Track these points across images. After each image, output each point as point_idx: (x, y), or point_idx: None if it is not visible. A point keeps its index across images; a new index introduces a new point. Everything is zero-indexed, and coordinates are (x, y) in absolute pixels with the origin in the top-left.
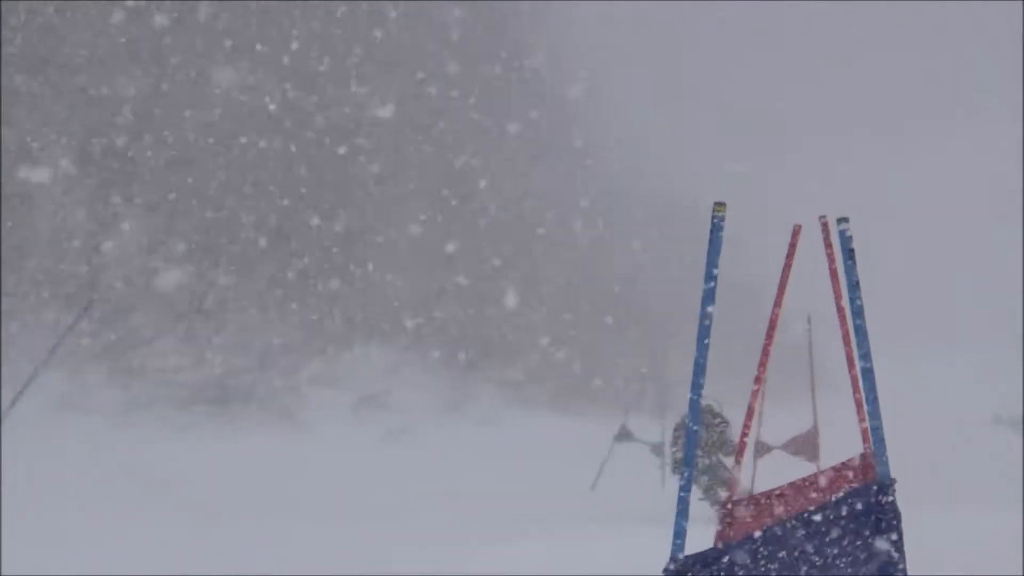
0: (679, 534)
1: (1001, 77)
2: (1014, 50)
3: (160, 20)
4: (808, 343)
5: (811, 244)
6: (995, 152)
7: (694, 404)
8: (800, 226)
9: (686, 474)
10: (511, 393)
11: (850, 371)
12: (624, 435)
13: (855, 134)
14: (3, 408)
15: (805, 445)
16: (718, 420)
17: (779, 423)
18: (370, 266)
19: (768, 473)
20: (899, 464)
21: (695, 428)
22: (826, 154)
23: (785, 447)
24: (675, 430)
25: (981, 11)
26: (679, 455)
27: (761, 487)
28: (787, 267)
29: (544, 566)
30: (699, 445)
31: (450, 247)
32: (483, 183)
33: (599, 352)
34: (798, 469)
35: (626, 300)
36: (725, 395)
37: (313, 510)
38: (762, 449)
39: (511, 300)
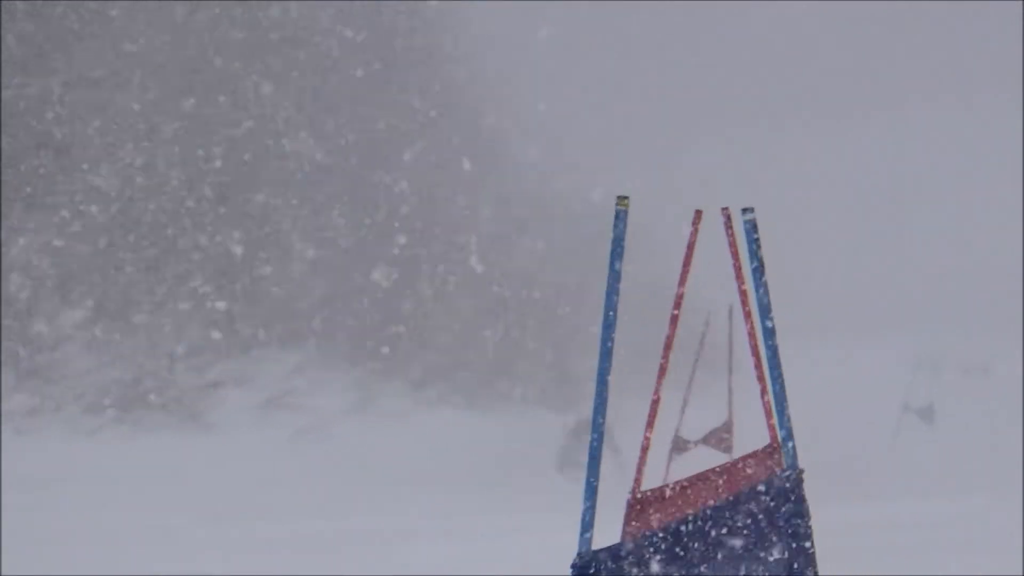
0: (586, 528)
1: (920, 67)
2: (930, 43)
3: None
4: (729, 334)
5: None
6: (910, 143)
7: (600, 393)
8: (701, 212)
9: (591, 470)
10: (419, 391)
11: (756, 363)
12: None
13: (771, 124)
14: None
15: (721, 438)
16: None
17: (698, 416)
18: (276, 266)
19: (683, 466)
20: (808, 454)
21: (601, 421)
22: (741, 144)
23: (704, 441)
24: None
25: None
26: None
27: (673, 480)
28: (688, 255)
29: (456, 561)
30: None
31: (355, 245)
32: (388, 181)
33: (507, 348)
34: (713, 461)
35: (534, 296)
36: (638, 391)
37: (221, 510)
38: (680, 445)
39: (418, 297)
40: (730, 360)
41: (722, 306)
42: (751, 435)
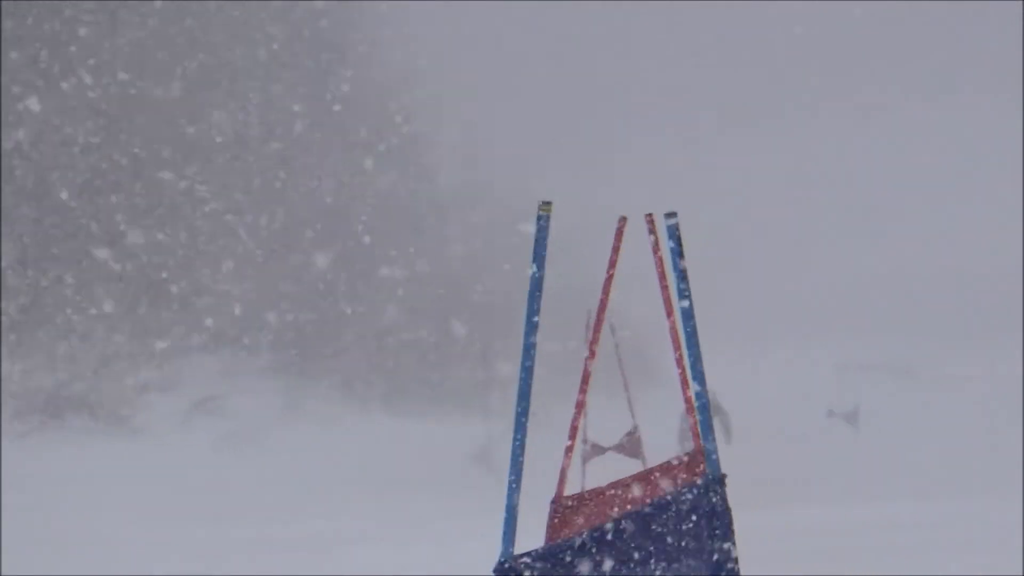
0: (508, 534)
1: (837, 79)
2: (866, 44)
3: None
4: (615, 344)
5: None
6: (839, 148)
7: (522, 397)
8: (625, 218)
9: (513, 475)
10: (347, 395)
11: (679, 368)
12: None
13: (700, 130)
14: None
15: (629, 445)
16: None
17: (614, 422)
18: (203, 271)
19: (599, 472)
20: (732, 459)
21: (524, 420)
22: (671, 149)
23: (616, 448)
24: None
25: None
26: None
27: (592, 485)
28: (613, 261)
29: (383, 566)
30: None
31: (282, 249)
32: (315, 183)
33: (435, 352)
34: (628, 468)
35: (460, 300)
36: (561, 394)
37: (148, 515)
38: (595, 451)
39: (346, 301)
40: (622, 368)
41: (646, 311)
42: (662, 440)
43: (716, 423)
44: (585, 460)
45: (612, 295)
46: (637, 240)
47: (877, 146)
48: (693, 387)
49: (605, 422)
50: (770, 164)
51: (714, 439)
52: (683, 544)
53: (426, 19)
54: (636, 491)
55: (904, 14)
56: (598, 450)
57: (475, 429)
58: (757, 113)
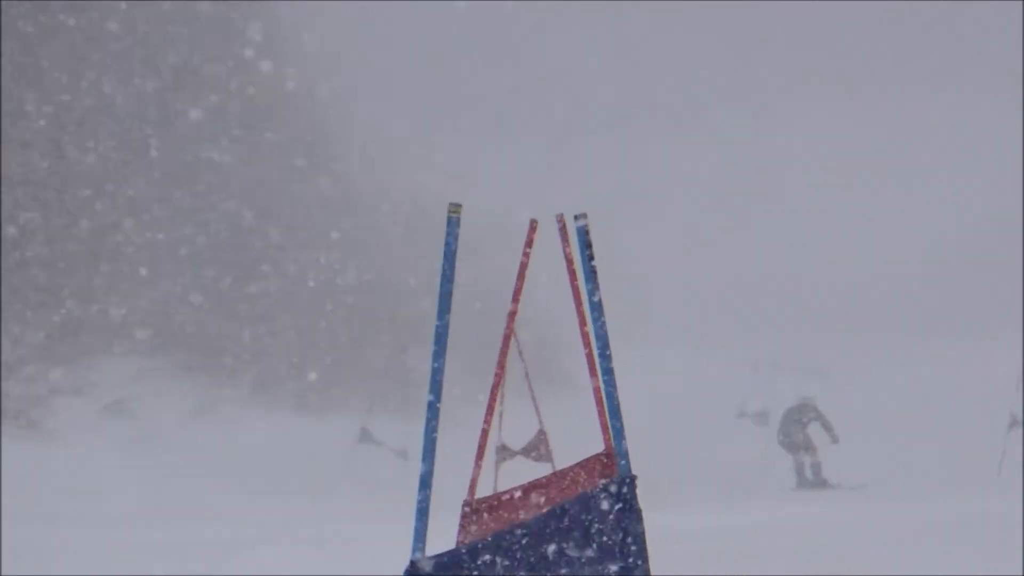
0: (419, 535)
1: (779, 66)
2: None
3: None
4: (517, 346)
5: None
6: (751, 147)
7: (432, 405)
8: (536, 221)
9: (423, 476)
10: (258, 397)
11: (590, 370)
12: (366, 437)
13: (612, 128)
14: None
15: (536, 448)
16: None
17: (526, 425)
18: (114, 273)
19: (512, 474)
20: (642, 461)
21: (435, 422)
22: (580, 149)
23: (524, 451)
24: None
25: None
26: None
27: (504, 487)
28: (524, 264)
29: (295, 568)
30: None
31: (192, 251)
32: (229, 185)
33: (344, 353)
34: (538, 471)
35: (371, 300)
36: (473, 395)
37: (59, 518)
38: (506, 453)
39: (255, 302)
40: (526, 369)
41: (563, 312)
42: (582, 442)
43: (818, 428)
44: (498, 463)
45: (526, 296)
46: (550, 241)
47: (794, 148)
48: (603, 387)
49: (519, 425)
50: (687, 165)
51: (624, 439)
52: (594, 545)
53: (341, 17)
54: (548, 492)
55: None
56: (509, 453)
57: (390, 430)
58: (677, 113)
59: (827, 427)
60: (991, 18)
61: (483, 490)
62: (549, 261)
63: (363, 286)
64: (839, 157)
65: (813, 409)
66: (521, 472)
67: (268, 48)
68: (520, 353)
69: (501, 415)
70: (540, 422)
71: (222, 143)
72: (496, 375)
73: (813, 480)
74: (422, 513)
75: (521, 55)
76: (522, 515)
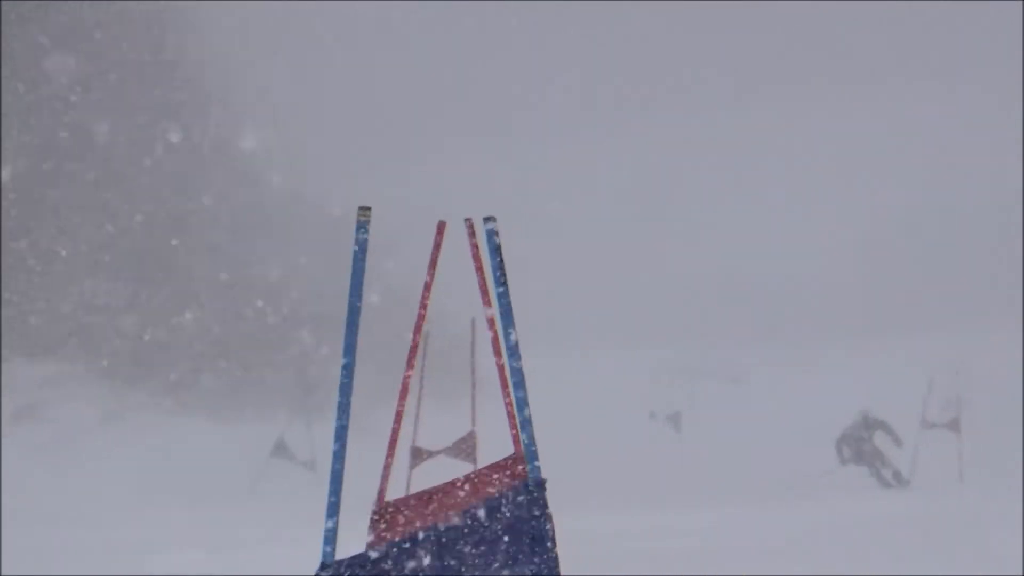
0: (329, 539)
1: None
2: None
3: None
4: (471, 344)
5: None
6: (663, 150)
7: (343, 403)
8: (444, 223)
9: (334, 479)
10: (168, 402)
11: (500, 373)
12: (281, 451)
13: (517, 132)
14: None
15: (465, 448)
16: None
17: (439, 427)
18: (25, 278)
19: (426, 476)
20: (553, 464)
21: (345, 424)
22: (490, 153)
23: (448, 451)
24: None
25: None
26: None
27: (417, 490)
28: (432, 266)
29: (205, 573)
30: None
31: (104, 256)
32: (139, 191)
33: (256, 360)
34: (455, 472)
35: (283, 308)
36: (386, 397)
37: None
38: (421, 455)
39: (167, 308)
40: (472, 372)
41: (466, 315)
42: (497, 445)
43: (881, 436)
44: (411, 465)
45: (442, 300)
46: (461, 244)
47: (704, 150)
48: (512, 391)
49: (442, 427)
50: (596, 168)
51: (534, 443)
52: (504, 547)
53: (235, 20)
54: (458, 495)
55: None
56: (425, 454)
57: (300, 435)
58: (586, 118)
59: (890, 432)
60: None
61: (395, 493)
62: (470, 261)
63: (274, 291)
64: (749, 159)
65: (874, 420)
66: (435, 474)
67: (183, 53)
68: (472, 353)
69: (417, 417)
70: (473, 422)
71: (132, 151)
72: (404, 378)
73: (897, 483)
74: (332, 517)
75: (434, 56)
76: (432, 518)
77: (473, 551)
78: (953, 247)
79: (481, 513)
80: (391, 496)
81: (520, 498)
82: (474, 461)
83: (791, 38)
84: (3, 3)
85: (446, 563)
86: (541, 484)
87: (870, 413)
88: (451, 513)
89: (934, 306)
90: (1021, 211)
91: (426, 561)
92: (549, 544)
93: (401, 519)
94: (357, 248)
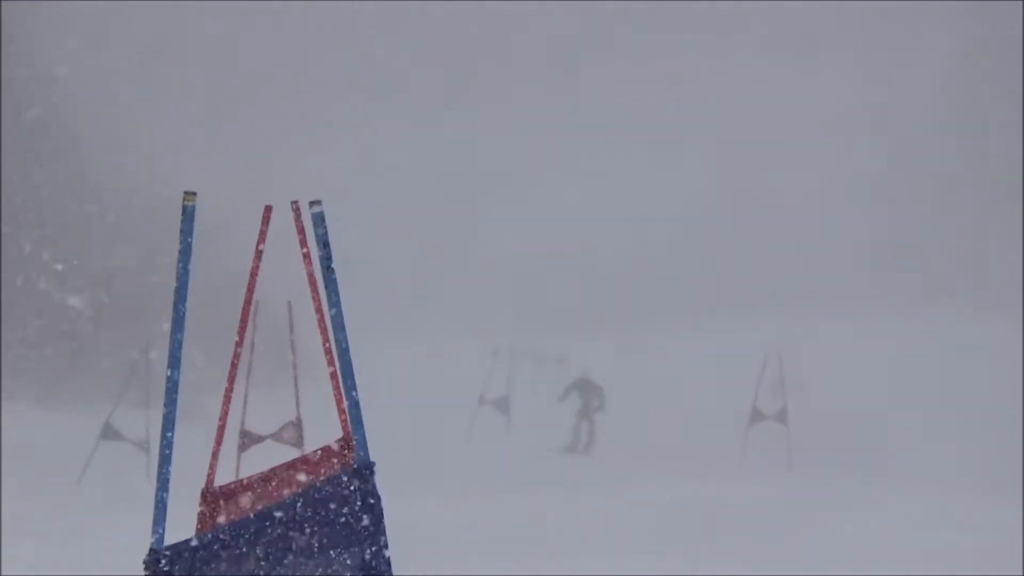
0: (158, 525)
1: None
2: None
3: None
4: (289, 329)
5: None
6: (489, 137)
7: (171, 390)
8: (271, 207)
9: (162, 466)
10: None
11: (327, 356)
12: (109, 433)
13: (352, 116)
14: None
15: (292, 433)
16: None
17: (267, 412)
18: None
19: (255, 462)
20: (383, 449)
21: (174, 410)
22: (322, 138)
23: (274, 436)
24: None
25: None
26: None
27: (246, 474)
28: (258, 250)
29: (34, 563)
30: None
31: None
32: None
33: (87, 345)
34: (285, 457)
35: (114, 292)
36: (211, 384)
37: None
38: (250, 439)
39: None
40: (294, 355)
41: (286, 299)
42: (324, 430)
43: (593, 397)
44: (240, 449)
45: (264, 284)
46: (286, 228)
47: (524, 138)
48: (340, 375)
49: (270, 412)
50: (422, 156)
51: (362, 427)
52: (333, 532)
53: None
54: (287, 479)
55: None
56: (254, 439)
57: (131, 424)
58: (411, 105)
59: (600, 399)
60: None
61: (225, 478)
62: (293, 245)
63: (105, 278)
64: (570, 147)
65: (589, 383)
66: (266, 459)
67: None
68: (292, 337)
69: (245, 401)
70: (298, 409)
71: None
72: (232, 363)
73: (587, 443)
74: (161, 504)
75: (256, 48)
76: (260, 503)
77: (301, 536)
78: (777, 232)
79: (309, 497)
80: (220, 481)
81: (348, 482)
82: (301, 446)
83: (615, 17)
84: (2, 3)
85: (274, 548)
86: (370, 468)
87: (588, 375)
88: (279, 498)
89: (764, 291)
90: (849, 199)
91: (255, 545)
92: (378, 528)
93: (230, 504)
94: (183, 233)
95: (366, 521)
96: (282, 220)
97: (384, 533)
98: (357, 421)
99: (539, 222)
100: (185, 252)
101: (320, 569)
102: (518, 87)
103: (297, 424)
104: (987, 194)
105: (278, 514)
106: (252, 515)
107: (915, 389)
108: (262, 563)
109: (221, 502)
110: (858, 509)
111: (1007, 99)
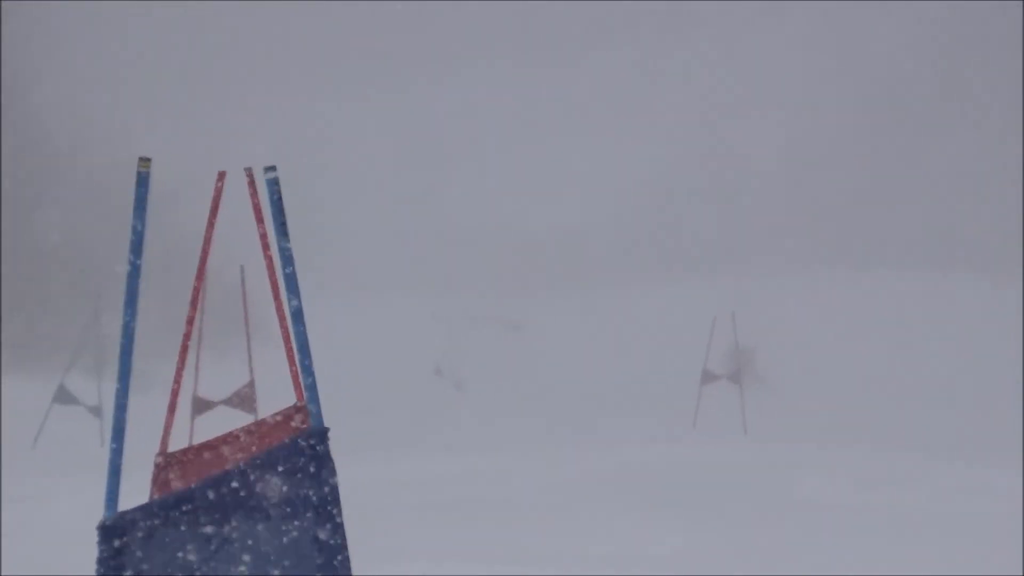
0: (112, 491)
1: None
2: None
3: None
4: (242, 294)
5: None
6: (445, 109)
7: (124, 356)
8: (224, 172)
9: (116, 431)
10: None
11: (281, 321)
12: (63, 396)
13: (311, 83)
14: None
15: (244, 398)
16: None
17: (220, 377)
18: None
19: (208, 427)
20: (337, 412)
21: (127, 374)
22: (276, 104)
23: (227, 401)
24: None
25: None
26: None
27: (200, 440)
28: (212, 215)
29: None
30: None
31: None
32: None
33: (40, 311)
34: (238, 422)
35: (67, 258)
36: (171, 351)
37: None
38: (202, 405)
39: None
40: (246, 320)
41: (237, 264)
42: (277, 394)
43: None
44: (194, 415)
45: (217, 250)
46: (239, 193)
47: (487, 105)
48: (294, 340)
49: (222, 377)
50: (381, 122)
51: (316, 392)
52: (287, 496)
53: None
54: (240, 445)
55: None
56: (207, 404)
57: (86, 389)
58: (370, 73)
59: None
60: None
61: (178, 443)
62: (246, 211)
63: (60, 244)
64: (529, 115)
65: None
66: (217, 425)
67: None
68: (244, 302)
69: (197, 367)
70: (251, 373)
71: None
72: (186, 330)
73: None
74: (115, 469)
75: (219, 8)
76: (215, 468)
77: (255, 500)
78: (738, 193)
79: (263, 462)
80: (174, 447)
81: (302, 447)
82: (254, 411)
83: None
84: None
85: (228, 513)
86: (324, 433)
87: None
88: (233, 463)
89: (718, 252)
90: (802, 163)
91: (210, 511)
92: (332, 493)
93: (185, 469)
94: (138, 199)
95: (320, 484)
96: (239, 186)
97: (338, 499)
98: (311, 387)
99: (500, 188)
100: (140, 217)
101: (274, 535)
102: (480, 52)
103: (250, 388)
104: (952, 153)
105: (231, 480)
106: (207, 480)
107: (875, 350)
108: (215, 528)
109: (176, 467)
110: (816, 471)
111: (977, 47)
